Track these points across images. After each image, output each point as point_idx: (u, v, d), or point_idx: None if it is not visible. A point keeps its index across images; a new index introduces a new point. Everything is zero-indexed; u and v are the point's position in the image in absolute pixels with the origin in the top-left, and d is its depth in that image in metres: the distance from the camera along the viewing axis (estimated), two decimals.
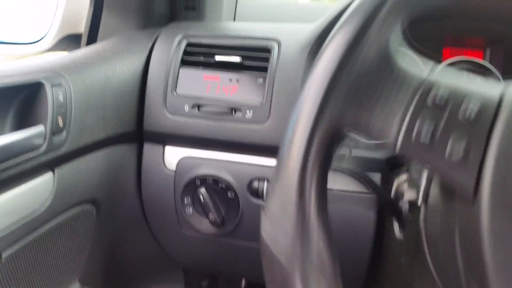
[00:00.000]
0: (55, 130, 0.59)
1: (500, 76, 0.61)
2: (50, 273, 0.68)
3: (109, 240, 0.83)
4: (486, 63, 0.62)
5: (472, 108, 0.27)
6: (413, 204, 0.56)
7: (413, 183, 0.57)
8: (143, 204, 0.82)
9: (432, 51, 0.75)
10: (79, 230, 0.71)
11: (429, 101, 0.29)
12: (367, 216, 0.70)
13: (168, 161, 0.78)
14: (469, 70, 0.63)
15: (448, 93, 0.28)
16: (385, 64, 0.30)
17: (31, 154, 0.56)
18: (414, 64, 0.31)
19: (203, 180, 0.75)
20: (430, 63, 0.32)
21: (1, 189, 0.53)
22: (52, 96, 0.59)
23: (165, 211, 0.80)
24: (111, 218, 0.79)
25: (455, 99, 0.28)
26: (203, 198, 0.74)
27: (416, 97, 0.29)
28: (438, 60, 0.75)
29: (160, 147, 0.78)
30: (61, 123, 0.60)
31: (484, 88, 0.29)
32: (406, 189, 0.60)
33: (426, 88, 0.29)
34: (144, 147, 0.80)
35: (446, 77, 0.30)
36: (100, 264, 0.84)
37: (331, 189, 0.68)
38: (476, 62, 0.63)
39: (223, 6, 0.98)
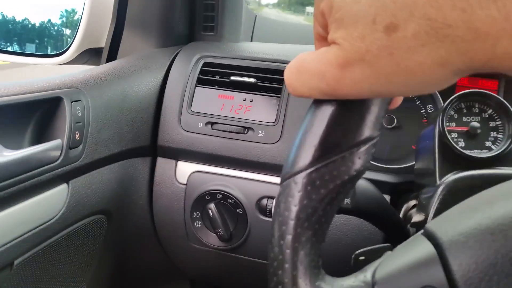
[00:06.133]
0: (72, 144, 0.61)
1: None
2: (59, 281, 0.69)
3: (119, 249, 0.84)
4: (499, 97, 0.62)
5: None
6: (420, 229, 0.56)
7: (422, 209, 0.57)
8: (153, 216, 0.83)
9: None
10: (89, 240, 0.72)
11: None
12: (374, 240, 0.71)
13: (180, 175, 0.79)
14: (481, 102, 0.63)
15: None
16: None
17: (47, 167, 0.57)
18: None
19: (213, 195, 0.76)
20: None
21: (17, 199, 0.54)
22: (70, 111, 0.61)
23: (174, 224, 0.81)
24: (122, 228, 0.80)
25: None
26: (212, 213, 0.75)
27: None
28: (452, 88, 0.76)
29: (172, 162, 0.80)
30: (78, 137, 0.62)
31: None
32: (415, 214, 0.60)
33: None
34: (157, 161, 0.81)
35: None
36: (108, 272, 0.85)
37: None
38: (488, 94, 0.63)
39: (241, 27, 0.99)
